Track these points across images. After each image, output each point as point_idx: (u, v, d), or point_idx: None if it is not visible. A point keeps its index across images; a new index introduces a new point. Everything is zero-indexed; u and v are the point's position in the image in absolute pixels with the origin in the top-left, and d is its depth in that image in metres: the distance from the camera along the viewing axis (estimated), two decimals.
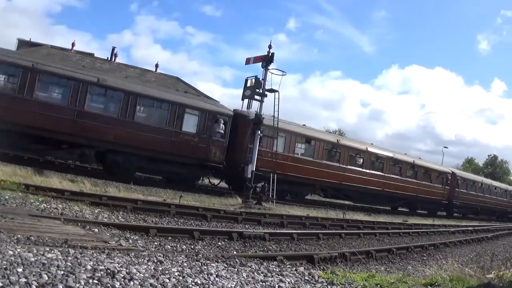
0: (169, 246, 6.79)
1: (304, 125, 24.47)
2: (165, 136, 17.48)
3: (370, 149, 26.05)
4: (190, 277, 3.98)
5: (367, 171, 25.01)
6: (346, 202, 25.66)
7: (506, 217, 41.33)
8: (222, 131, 18.62)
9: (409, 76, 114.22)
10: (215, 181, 21.56)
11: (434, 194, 30.38)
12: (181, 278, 3.92)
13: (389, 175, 26.47)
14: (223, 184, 21.77)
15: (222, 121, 18.62)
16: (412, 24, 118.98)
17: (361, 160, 25.11)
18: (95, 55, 30.61)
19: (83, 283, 3.25)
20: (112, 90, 16.89)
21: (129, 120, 16.83)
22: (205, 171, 19.24)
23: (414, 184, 28.42)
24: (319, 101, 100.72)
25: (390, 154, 27.44)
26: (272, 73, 17.60)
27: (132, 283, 3.49)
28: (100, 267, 3.73)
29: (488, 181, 41.65)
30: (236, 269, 4.73)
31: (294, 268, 5.45)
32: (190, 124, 18.11)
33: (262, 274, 4.70)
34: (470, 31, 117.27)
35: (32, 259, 3.63)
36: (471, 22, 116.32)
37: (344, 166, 23.64)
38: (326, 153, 23.24)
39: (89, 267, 3.69)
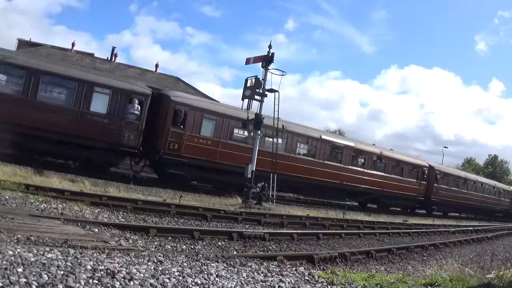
0: (169, 246, 6.79)
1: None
2: (71, 117, 15.70)
3: (325, 137, 23.48)
4: (190, 277, 3.98)
5: (320, 161, 22.27)
6: (347, 202, 25.15)
7: (495, 216, 39.09)
8: (137, 112, 16.73)
9: (408, 76, 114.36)
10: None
11: (407, 190, 27.46)
12: (181, 278, 3.92)
13: (348, 167, 23.61)
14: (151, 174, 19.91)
15: (137, 101, 16.77)
16: (411, 24, 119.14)
17: (313, 149, 22.55)
18: (95, 55, 30.74)
19: (83, 283, 3.25)
20: (13, 68, 15.21)
21: (31, 99, 15.11)
22: (118, 156, 17.35)
23: (381, 178, 25.51)
24: (318, 101, 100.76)
25: (350, 144, 24.59)
26: (272, 73, 17.61)
27: (132, 283, 3.49)
28: (100, 267, 3.73)
29: (473, 177, 38.70)
30: (236, 269, 4.73)
31: (294, 268, 5.45)
32: (99, 104, 16.26)
33: (262, 274, 4.70)
34: (468, 31, 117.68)
35: (32, 259, 3.63)
36: (468, 23, 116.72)
37: (289, 154, 20.99)
38: (265, 140, 20.20)
39: (89, 267, 3.69)
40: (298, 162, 21.43)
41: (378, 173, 25.73)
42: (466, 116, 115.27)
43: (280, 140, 20.13)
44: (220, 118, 18.83)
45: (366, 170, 24.88)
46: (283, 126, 20.22)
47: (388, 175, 26.34)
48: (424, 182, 29.16)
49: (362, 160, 25.05)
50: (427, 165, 30.52)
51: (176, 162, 17.55)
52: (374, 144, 30.39)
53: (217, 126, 18.81)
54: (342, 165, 23.52)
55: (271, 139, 19.14)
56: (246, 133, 19.70)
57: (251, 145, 18.53)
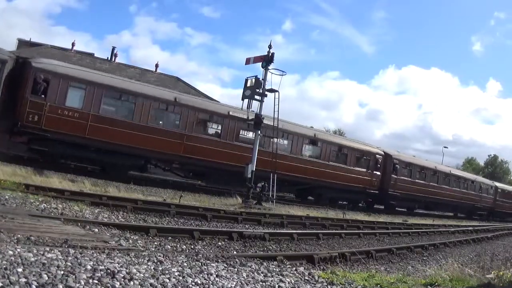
0: (169, 246, 6.79)
1: None
2: None
3: (234, 113, 19.44)
4: (190, 277, 3.98)
5: (228, 142, 19.20)
6: (346, 202, 24.67)
7: (476, 214, 35.53)
8: None
9: (406, 76, 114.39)
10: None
11: (352, 181, 23.51)
12: (181, 278, 3.92)
13: (268, 151, 19.26)
14: None
15: None
16: (410, 24, 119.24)
17: (219, 128, 19.33)
18: (95, 55, 30.74)
19: (83, 283, 3.25)
20: None
21: None
22: None
23: (315, 165, 21.61)
24: (317, 101, 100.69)
25: (270, 123, 19.70)
26: (272, 73, 17.59)
27: (132, 283, 3.49)
28: (100, 267, 3.73)
29: (446, 168, 34.28)
30: (236, 269, 4.73)
31: (294, 268, 5.45)
32: None
33: (262, 274, 4.70)
34: (464, 32, 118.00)
35: (32, 259, 3.63)
36: (465, 24, 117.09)
37: (189, 134, 18.24)
38: (154, 116, 17.95)
39: (89, 267, 3.69)
40: (201, 142, 18.60)
41: (311, 159, 22.03)
42: (464, 116, 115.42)
43: (178, 117, 18.10)
44: (90, 87, 16.42)
45: (294, 156, 21.17)
46: (175, 98, 18.08)
47: (325, 162, 22.56)
48: (377, 173, 25.36)
49: (287, 143, 21.42)
50: (382, 152, 26.38)
51: (38, 136, 15.59)
52: (312, 127, 26.48)
53: (87, 97, 16.37)
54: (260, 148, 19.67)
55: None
56: (123, 104, 17.42)
57: (134, 120, 16.86)
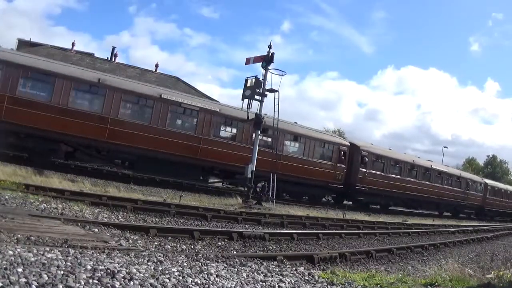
0: (169, 246, 6.79)
1: None
2: None
3: (167, 96, 17.92)
4: (190, 277, 3.98)
5: (160, 128, 17.48)
6: (346, 202, 24.57)
7: (462, 212, 33.69)
8: None
9: (404, 76, 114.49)
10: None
11: (311, 173, 21.06)
12: (181, 278, 3.92)
13: (208, 138, 18.09)
14: None
15: None
16: (409, 25, 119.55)
17: (149, 112, 17.55)
18: (95, 55, 30.75)
19: (83, 283, 3.25)
20: None
21: None
22: None
23: (267, 155, 18.87)
24: (316, 102, 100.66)
25: (207, 106, 18.80)
26: (272, 73, 17.59)
27: (132, 283, 3.49)
28: (100, 267, 3.73)
29: (425, 162, 31.03)
30: (236, 269, 4.73)
31: (294, 268, 5.45)
32: None
33: (262, 274, 4.70)
34: (462, 33, 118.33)
35: (32, 259, 3.64)
36: (463, 24, 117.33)
37: (110, 116, 16.50)
38: (75, 98, 16.33)
39: (89, 267, 3.69)
40: (127, 127, 16.80)
41: (263, 149, 19.53)
42: (463, 116, 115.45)
43: (102, 99, 16.52)
44: (8, 68, 15.04)
45: (239, 144, 19.22)
46: (99, 79, 16.39)
47: (279, 152, 20.24)
48: (342, 165, 23.05)
49: (231, 130, 19.70)
50: (347, 143, 24.14)
51: None
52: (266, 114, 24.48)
53: (3, 78, 14.96)
54: (196, 135, 18.22)
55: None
56: (42, 85, 15.81)
57: (52, 102, 15.47)
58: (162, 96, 17.77)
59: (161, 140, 17.39)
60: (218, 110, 19.03)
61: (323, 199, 24.21)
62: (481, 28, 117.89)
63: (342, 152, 23.29)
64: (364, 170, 24.37)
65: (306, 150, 21.79)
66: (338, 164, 22.98)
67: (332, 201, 24.89)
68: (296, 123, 22.73)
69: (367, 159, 24.64)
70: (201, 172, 19.29)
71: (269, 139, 20.65)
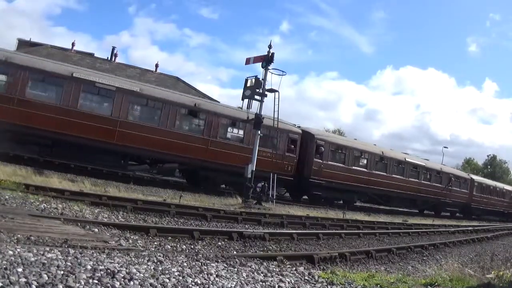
0: (169, 246, 6.79)
1: None
2: None
3: (80, 75, 16.39)
4: (190, 277, 3.99)
5: (72, 109, 15.87)
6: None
7: (445, 210, 31.43)
8: None
9: (403, 76, 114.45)
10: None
11: (257, 163, 17.59)
12: (181, 278, 3.92)
13: (127, 121, 16.76)
14: None
15: None
16: (408, 25, 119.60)
17: (60, 91, 15.97)
18: (95, 55, 30.76)
19: (83, 283, 3.25)
20: None
21: None
22: None
23: (199, 142, 17.83)
24: (315, 102, 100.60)
25: (124, 86, 17.05)
26: (272, 73, 17.59)
27: (132, 283, 3.49)
28: (100, 267, 3.73)
29: (398, 155, 28.45)
30: (236, 269, 4.73)
31: (294, 268, 5.45)
32: None
33: (262, 274, 4.70)
34: (460, 33, 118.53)
35: (32, 259, 3.64)
36: (461, 25, 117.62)
37: (15, 96, 15.03)
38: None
39: (89, 267, 3.69)
40: (32, 108, 15.25)
41: (194, 135, 18.32)
42: (462, 116, 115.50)
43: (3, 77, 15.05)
44: None
45: (161, 128, 17.63)
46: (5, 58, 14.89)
47: (214, 139, 18.58)
48: (292, 155, 20.91)
49: (154, 112, 18.00)
50: (298, 130, 21.79)
51: None
52: (188, 96, 20.90)
53: None
54: (112, 117, 16.67)
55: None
56: None
57: None
58: (74, 74, 16.17)
59: (73, 122, 15.77)
60: (138, 90, 17.40)
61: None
62: (479, 28, 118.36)
63: (292, 141, 20.97)
64: (320, 161, 21.90)
65: (246, 137, 19.34)
66: (287, 154, 20.63)
67: (285, 193, 22.72)
68: (240, 108, 19.66)
69: (323, 149, 22.11)
70: (121, 158, 17.60)
71: (201, 124, 18.82)
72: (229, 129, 19.76)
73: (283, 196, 22.50)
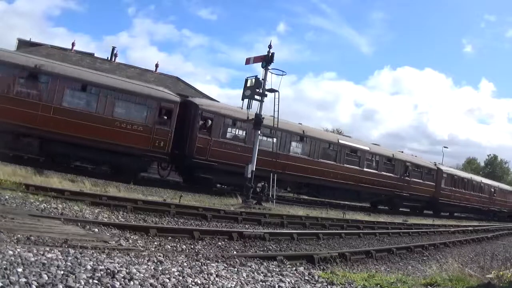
0: (169, 246, 6.79)
1: None
2: None
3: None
4: (190, 277, 3.99)
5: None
6: (345, 202, 23.66)
7: (403, 205, 27.49)
8: None
9: (401, 77, 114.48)
10: None
11: (116, 137, 16.15)
12: (181, 278, 3.92)
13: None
14: None
15: None
16: (406, 25, 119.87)
17: None
18: (95, 55, 30.76)
19: (83, 283, 3.26)
20: None
21: None
22: None
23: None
24: (313, 102, 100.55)
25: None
26: (272, 73, 17.57)
27: (132, 283, 3.49)
28: (100, 267, 3.73)
29: (329, 136, 24.86)
30: (236, 269, 4.73)
31: (294, 268, 5.45)
32: None
33: (262, 274, 4.71)
34: (456, 34, 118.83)
35: (32, 259, 3.64)
36: (456, 26, 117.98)
37: None
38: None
39: (89, 267, 3.69)
40: None
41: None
42: (459, 116, 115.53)
43: None
44: None
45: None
46: None
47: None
48: (166, 128, 17.34)
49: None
50: (174, 98, 18.05)
51: None
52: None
53: None
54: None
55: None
56: None
57: None
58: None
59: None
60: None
61: (144, 174, 18.48)
62: (474, 29, 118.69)
63: (166, 111, 17.49)
64: (208, 137, 18.14)
65: (101, 104, 16.21)
66: (159, 127, 17.18)
67: (160, 175, 19.43)
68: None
69: (211, 123, 18.32)
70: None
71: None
72: (77, 94, 16.33)
73: (162, 179, 19.13)
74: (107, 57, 30.90)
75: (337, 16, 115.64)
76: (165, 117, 17.53)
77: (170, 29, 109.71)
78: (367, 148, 25.23)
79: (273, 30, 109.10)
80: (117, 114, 16.53)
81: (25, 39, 31.42)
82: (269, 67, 17.57)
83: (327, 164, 22.10)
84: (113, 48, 31.11)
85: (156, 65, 31.66)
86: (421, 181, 28.35)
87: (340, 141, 23.56)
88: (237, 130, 19.56)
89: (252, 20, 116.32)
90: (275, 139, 19.36)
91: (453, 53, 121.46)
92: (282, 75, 17.70)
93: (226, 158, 18.49)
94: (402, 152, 30.64)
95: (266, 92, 17.59)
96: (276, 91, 17.77)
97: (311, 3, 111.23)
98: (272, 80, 17.67)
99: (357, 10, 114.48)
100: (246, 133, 19.48)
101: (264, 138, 19.04)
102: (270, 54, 17.48)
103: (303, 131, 21.56)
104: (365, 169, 24.34)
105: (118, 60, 30.71)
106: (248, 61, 18.57)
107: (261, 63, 17.78)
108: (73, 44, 29.61)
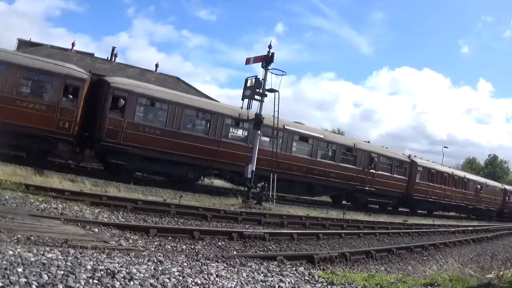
0: (169, 246, 6.79)
1: None
2: None
3: None
4: (190, 277, 3.99)
5: None
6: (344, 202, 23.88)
7: (367, 201, 24.55)
8: None
9: (399, 77, 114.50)
10: None
11: (11, 115, 14.25)
12: (181, 278, 3.92)
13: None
14: None
15: None
16: (406, 26, 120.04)
17: None
18: (95, 55, 30.76)
19: (83, 283, 3.26)
20: None
21: None
22: None
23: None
24: (312, 102, 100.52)
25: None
26: (272, 73, 17.56)
27: (132, 283, 3.49)
28: (100, 267, 3.74)
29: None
30: (236, 269, 4.73)
31: (294, 268, 5.45)
32: None
33: (262, 274, 4.70)
34: (453, 35, 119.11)
35: (32, 259, 3.64)
36: (453, 27, 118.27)
37: None
38: None
39: (89, 267, 3.69)
40: None
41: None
42: (458, 116, 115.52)
43: None
44: None
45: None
46: None
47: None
48: (71, 108, 15.64)
49: None
50: (82, 75, 16.15)
51: None
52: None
53: None
54: None
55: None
56: None
57: None
58: None
59: None
60: None
61: (53, 159, 17.02)
62: (471, 30, 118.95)
63: (73, 89, 15.71)
64: (120, 118, 16.33)
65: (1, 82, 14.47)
66: (62, 106, 15.46)
67: (74, 160, 17.64)
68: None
69: (125, 102, 16.38)
70: None
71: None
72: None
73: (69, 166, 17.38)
74: (107, 57, 30.92)
75: (336, 16, 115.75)
76: (71, 96, 15.73)
77: (170, 29, 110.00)
78: (321, 136, 22.49)
79: (272, 30, 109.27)
80: (19, 93, 14.97)
81: (25, 39, 31.41)
82: (269, 67, 17.57)
83: (270, 152, 18.20)
84: (113, 48, 31.11)
85: (156, 65, 31.66)
86: (390, 174, 25.52)
87: (286, 127, 20.61)
88: (157, 111, 17.69)
89: (252, 20, 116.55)
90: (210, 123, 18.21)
91: (451, 53, 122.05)
92: (282, 75, 17.71)
93: (144, 142, 16.63)
94: (369, 142, 27.30)
95: (266, 92, 17.60)
96: (276, 91, 17.78)
97: (310, 3, 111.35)
98: (272, 80, 17.69)
99: (356, 10, 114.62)
100: (167, 115, 17.43)
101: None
102: (270, 54, 17.48)
103: (239, 114, 18.77)
104: (317, 159, 21.63)
105: (118, 60, 30.72)
106: (248, 61, 18.57)
107: (261, 63, 17.79)
108: (73, 44, 29.61)
